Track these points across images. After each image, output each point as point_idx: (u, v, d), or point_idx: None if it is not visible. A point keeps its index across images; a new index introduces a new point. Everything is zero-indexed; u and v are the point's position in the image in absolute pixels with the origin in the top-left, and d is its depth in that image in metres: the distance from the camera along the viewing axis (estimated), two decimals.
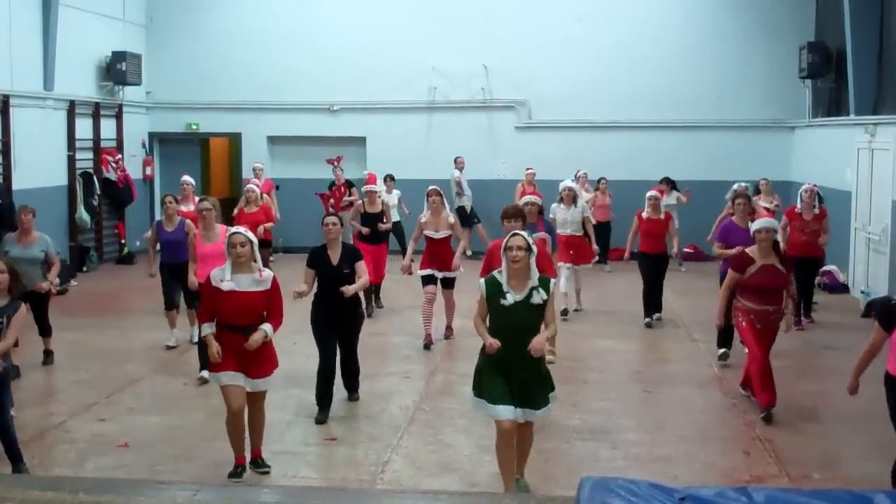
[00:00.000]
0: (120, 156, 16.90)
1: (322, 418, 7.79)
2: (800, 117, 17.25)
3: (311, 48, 17.93)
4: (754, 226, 8.17)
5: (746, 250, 8.09)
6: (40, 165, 14.64)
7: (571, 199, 11.83)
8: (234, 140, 18.96)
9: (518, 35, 17.60)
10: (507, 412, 5.89)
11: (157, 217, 13.11)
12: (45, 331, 9.72)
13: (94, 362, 9.82)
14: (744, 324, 7.98)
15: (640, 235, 11.68)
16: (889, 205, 12.39)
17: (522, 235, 5.95)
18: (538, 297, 5.88)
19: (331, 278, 7.82)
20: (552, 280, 6.08)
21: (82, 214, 15.73)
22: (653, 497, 4.17)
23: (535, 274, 5.90)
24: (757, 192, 14.51)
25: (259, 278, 6.37)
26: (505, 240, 6.00)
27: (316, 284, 7.93)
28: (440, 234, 10.35)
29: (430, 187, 10.63)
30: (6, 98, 13.87)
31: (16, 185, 13.84)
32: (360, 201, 12.72)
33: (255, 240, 6.44)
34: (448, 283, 10.55)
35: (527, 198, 9.63)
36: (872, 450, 7.16)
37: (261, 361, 6.44)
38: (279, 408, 8.17)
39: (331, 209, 13.99)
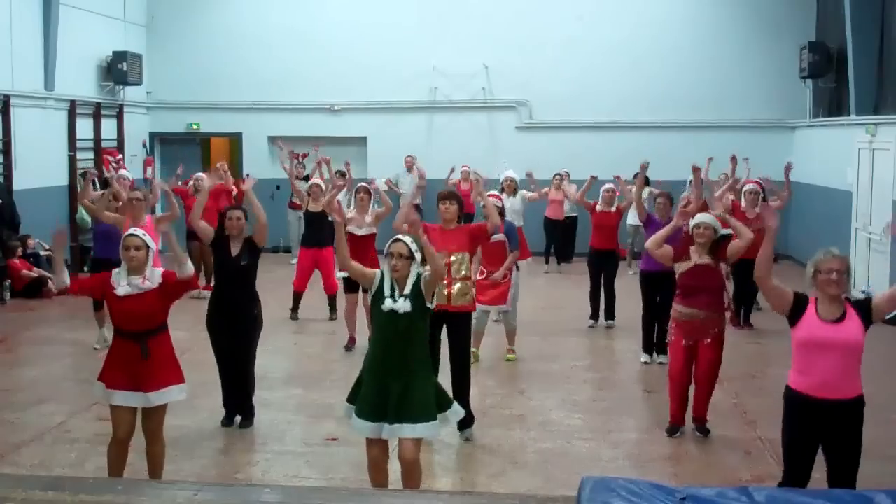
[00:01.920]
0: (121, 156, 16.88)
1: (227, 423, 7.61)
2: (800, 117, 17.24)
3: (311, 48, 17.94)
4: (693, 220, 7.50)
5: (690, 247, 7.43)
6: (41, 165, 14.64)
7: (512, 189, 12.21)
8: (235, 140, 18.97)
9: (519, 35, 17.61)
10: (366, 429, 5.47)
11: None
12: None
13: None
14: (673, 336, 7.49)
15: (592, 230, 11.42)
16: (889, 205, 12.39)
17: (404, 242, 5.51)
18: (415, 304, 5.45)
19: (227, 269, 7.38)
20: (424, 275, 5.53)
21: (83, 214, 15.71)
22: (654, 497, 4.17)
23: (413, 280, 5.49)
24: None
25: (142, 285, 5.76)
26: (387, 245, 5.56)
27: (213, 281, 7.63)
28: (363, 231, 10.05)
29: (360, 184, 10.44)
30: (7, 98, 13.88)
31: (16, 184, 13.85)
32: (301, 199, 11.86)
33: (152, 245, 5.89)
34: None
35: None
36: (873, 449, 7.16)
37: (156, 371, 5.80)
38: (279, 408, 8.18)
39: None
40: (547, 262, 16.19)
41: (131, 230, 6.02)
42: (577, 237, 16.68)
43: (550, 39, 17.60)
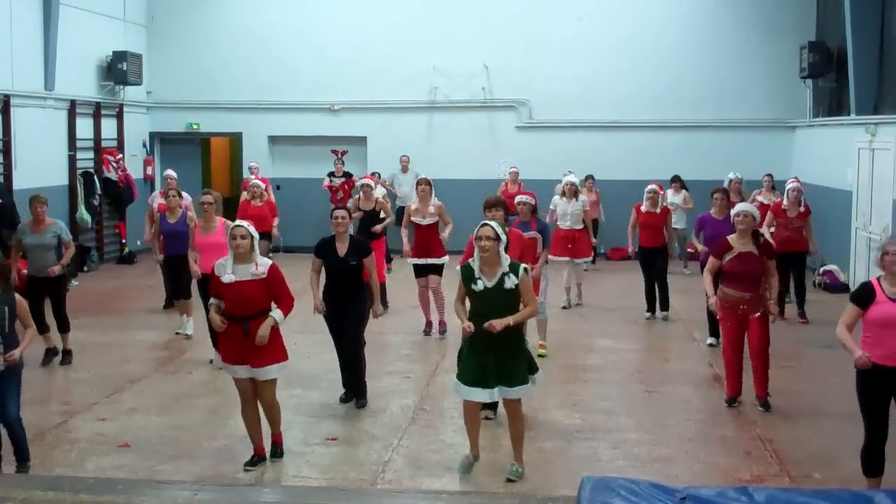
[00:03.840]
0: (121, 155, 16.90)
1: (345, 398, 8.26)
2: (800, 117, 17.24)
3: (311, 48, 17.93)
4: (734, 210, 8.28)
5: (728, 237, 8.18)
6: (41, 165, 14.63)
7: (573, 193, 12.40)
8: (235, 140, 18.97)
9: (519, 35, 17.60)
10: (476, 394, 6.33)
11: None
12: (63, 326, 9.76)
13: (94, 361, 9.82)
14: (719, 315, 8.25)
15: (638, 229, 12.05)
16: (890, 204, 12.39)
17: (491, 226, 6.27)
18: (509, 283, 6.23)
19: (336, 270, 7.99)
20: (522, 265, 6.37)
21: (83, 214, 15.73)
22: (654, 497, 4.18)
23: (506, 260, 6.27)
24: (760, 186, 14.58)
25: (255, 270, 6.56)
26: (476, 230, 6.31)
27: (324, 276, 8.11)
28: (427, 221, 10.67)
29: (420, 177, 11.29)
30: (7, 98, 13.87)
31: (16, 184, 13.85)
32: (356, 196, 12.63)
33: (255, 234, 6.66)
34: (435, 270, 10.77)
35: (519, 197, 9.86)
36: None
37: (264, 351, 6.58)
38: (280, 408, 8.17)
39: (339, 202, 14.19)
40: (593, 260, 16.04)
41: (238, 221, 6.84)
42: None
43: (550, 39, 17.59)
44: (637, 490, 4.23)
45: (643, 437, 7.53)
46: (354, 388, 8.25)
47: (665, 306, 12.06)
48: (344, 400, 8.25)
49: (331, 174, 16.80)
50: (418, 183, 11.05)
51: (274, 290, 6.67)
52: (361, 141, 18.14)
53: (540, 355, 9.73)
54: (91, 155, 16.42)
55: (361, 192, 12.27)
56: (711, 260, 8.24)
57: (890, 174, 12.48)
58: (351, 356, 8.20)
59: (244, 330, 6.53)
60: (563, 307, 12.39)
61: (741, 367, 8.17)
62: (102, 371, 9.45)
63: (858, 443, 6.11)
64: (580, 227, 12.36)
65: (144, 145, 18.42)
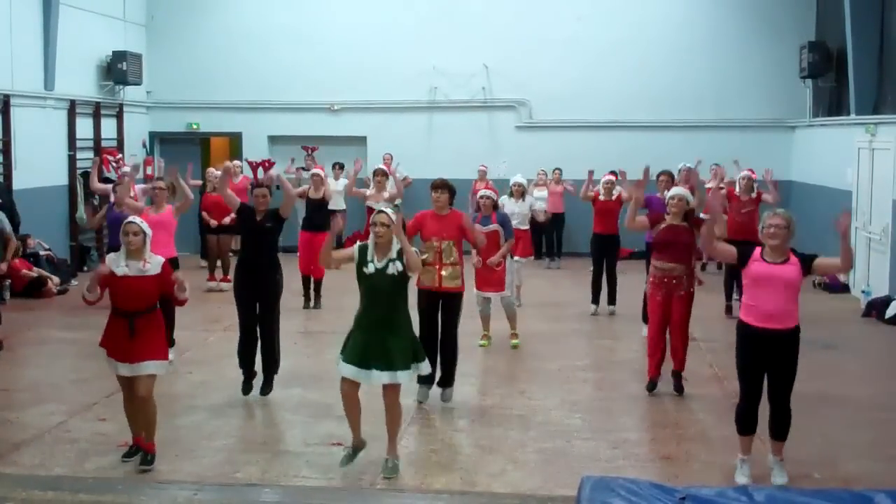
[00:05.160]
0: (120, 155, 16.87)
1: (246, 389, 8.31)
2: (800, 117, 17.24)
3: (311, 48, 17.93)
4: (669, 193, 8.65)
5: (665, 215, 8.52)
6: (41, 165, 14.63)
7: (520, 193, 12.65)
8: (235, 140, 18.96)
9: (519, 34, 17.60)
10: (349, 371, 6.46)
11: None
12: None
13: (94, 362, 9.78)
14: (649, 288, 8.57)
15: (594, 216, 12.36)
16: (889, 204, 12.40)
17: (387, 213, 6.50)
18: (393, 268, 6.46)
19: (251, 232, 8.20)
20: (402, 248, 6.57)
21: (83, 214, 15.73)
22: (653, 496, 4.18)
23: (396, 247, 6.50)
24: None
25: (143, 267, 6.55)
26: (373, 216, 6.55)
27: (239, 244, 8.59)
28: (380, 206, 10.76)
29: (377, 167, 12.81)
30: (7, 98, 13.87)
31: (16, 184, 13.84)
32: (305, 186, 12.80)
33: (148, 231, 6.67)
34: None
35: (482, 192, 10.10)
36: (873, 449, 7.17)
37: (140, 346, 6.55)
38: (279, 408, 8.18)
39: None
40: (541, 256, 16.38)
41: (130, 218, 6.80)
42: (563, 235, 16.99)
43: (550, 39, 17.59)
44: (637, 490, 4.23)
45: (643, 437, 7.53)
46: (268, 371, 8.33)
47: (612, 300, 12.22)
48: (247, 391, 8.31)
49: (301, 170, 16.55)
50: (375, 173, 12.42)
51: (166, 288, 6.67)
52: (361, 141, 18.13)
53: (513, 345, 10.32)
54: (91, 155, 16.40)
55: (311, 182, 12.58)
56: (643, 216, 8.72)
57: (890, 174, 12.48)
58: (268, 334, 8.24)
59: (129, 327, 6.50)
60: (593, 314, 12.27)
61: (665, 348, 8.54)
62: (102, 371, 9.38)
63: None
64: (526, 227, 12.71)
65: (144, 145, 18.40)
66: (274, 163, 8.93)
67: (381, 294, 6.48)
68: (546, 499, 5.95)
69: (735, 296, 11.47)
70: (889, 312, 11.85)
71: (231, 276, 9.70)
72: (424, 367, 6.72)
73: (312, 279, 12.52)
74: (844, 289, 13.92)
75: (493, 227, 9.81)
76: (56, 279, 13.60)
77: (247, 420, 7.94)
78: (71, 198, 15.62)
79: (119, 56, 16.71)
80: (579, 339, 11.01)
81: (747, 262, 6.35)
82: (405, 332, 6.58)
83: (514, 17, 17.66)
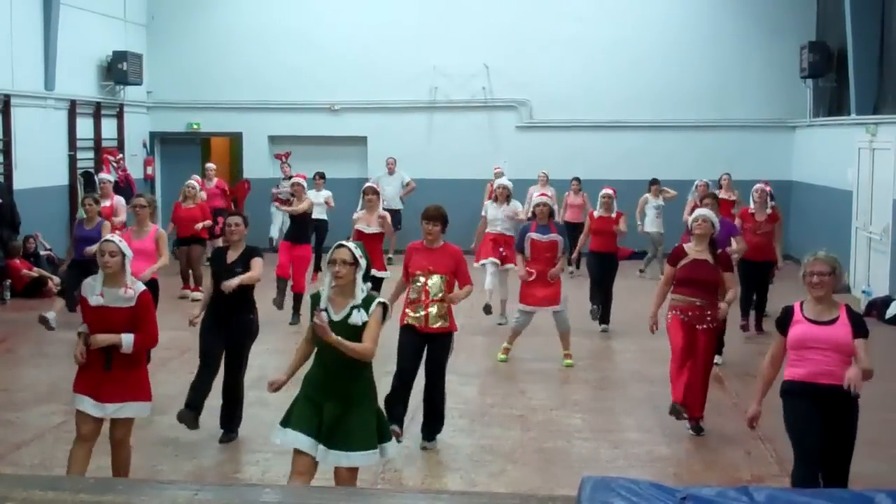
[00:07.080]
0: (121, 155, 16.90)
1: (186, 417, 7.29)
2: (801, 117, 17.24)
3: (312, 48, 17.93)
4: (692, 216, 7.89)
5: (684, 244, 7.81)
6: (41, 165, 14.63)
7: (505, 197, 11.75)
8: (235, 140, 18.97)
9: (519, 34, 17.60)
10: (304, 442, 5.16)
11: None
12: None
13: None
14: (670, 317, 7.58)
15: (590, 235, 11.58)
16: (890, 204, 12.40)
17: (348, 247, 5.21)
18: (357, 317, 5.17)
19: (224, 273, 7.27)
20: (378, 300, 5.30)
21: (83, 214, 15.71)
22: (654, 497, 4.16)
23: (361, 292, 5.22)
24: (719, 186, 14.42)
25: (124, 294, 5.65)
26: (331, 251, 5.30)
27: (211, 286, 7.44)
28: (371, 229, 10.22)
29: (367, 185, 10.80)
30: (7, 98, 13.86)
31: (17, 184, 13.84)
32: (304, 205, 11.81)
33: (128, 252, 5.74)
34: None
35: (538, 199, 9.75)
36: (872, 449, 7.16)
37: (118, 383, 5.70)
38: (279, 408, 8.14)
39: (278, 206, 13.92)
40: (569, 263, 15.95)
41: (108, 236, 5.96)
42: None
43: (550, 39, 17.59)
44: (637, 490, 4.22)
45: (644, 436, 7.53)
46: (228, 421, 7.43)
47: (606, 319, 11.45)
48: (187, 420, 7.27)
49: (277, 184, 16.04)
50: (365, 192, 10.47)
51: (138, 320, 5.69)
52: (361, 141, 18.14)
53: (567, 365, 9.71)
54: (91, 155, 16.42)
55: (293, 190, 11.92)
56: (667, 269, 7.84)
57: (890, 174, 12.49)
58: (232, 381, 7.39)
59: (106, 361, 5.65)
60: (485, 309, 11.41)
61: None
62: None
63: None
64: (511, 233, 11.37)
65: (144, 145, 18.41)
66: (290, 153, 8.43)
67: (338, 354, 5.12)
68: (546, 499, 5.93)
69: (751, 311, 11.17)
70: (889, 312, 11.86)
71: (203, 287, 8.93)
72: (391, 449, 5.47)
73: (293, 293, 11.60)
74: (845, 289, 13.92)
75: (553, 236, 9.34)
76: (56, 279, 13.57)
77: (247, 420, 7.93)
78: (71, 198, 15.61)
79: (119, 56, 16.71)
80: (580, 339, 11.00)
81: (787, 328, 5.54)
82: (369, 405, 5.32)
83: (514, 17, 17.66)
